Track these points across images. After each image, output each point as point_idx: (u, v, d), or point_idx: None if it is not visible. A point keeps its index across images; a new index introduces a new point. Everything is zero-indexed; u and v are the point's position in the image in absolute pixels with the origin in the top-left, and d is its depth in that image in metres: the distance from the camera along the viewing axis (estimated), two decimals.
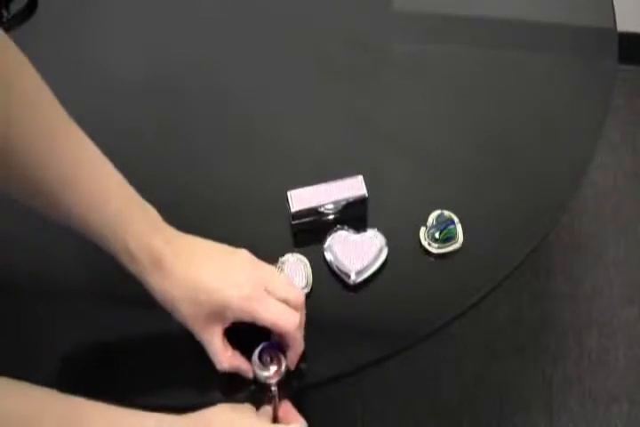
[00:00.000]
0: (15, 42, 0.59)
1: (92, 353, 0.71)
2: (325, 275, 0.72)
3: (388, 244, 0.73)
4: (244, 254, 0.65)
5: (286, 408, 0.63)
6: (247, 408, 0.61)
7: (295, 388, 0.66)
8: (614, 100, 0.94)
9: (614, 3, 0.92)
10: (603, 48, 0.89)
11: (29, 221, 0.72)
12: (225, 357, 0.63)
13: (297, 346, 0.64)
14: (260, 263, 0.65)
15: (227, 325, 0.63)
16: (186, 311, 0.61)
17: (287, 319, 0.62)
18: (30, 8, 0.94)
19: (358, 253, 0.72)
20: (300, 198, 0.73)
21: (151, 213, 0.63)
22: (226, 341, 0.64)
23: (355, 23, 0.93)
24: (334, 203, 0.73)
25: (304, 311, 0.65)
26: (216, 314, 0.62)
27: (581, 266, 1.58)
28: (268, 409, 0.62)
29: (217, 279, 0.62)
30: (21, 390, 0.52)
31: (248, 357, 0.65)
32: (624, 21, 0.98)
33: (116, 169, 0.63)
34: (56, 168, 0.59)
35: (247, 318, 0.62)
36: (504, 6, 0.95)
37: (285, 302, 0.63)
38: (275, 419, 0.63)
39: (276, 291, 0.63)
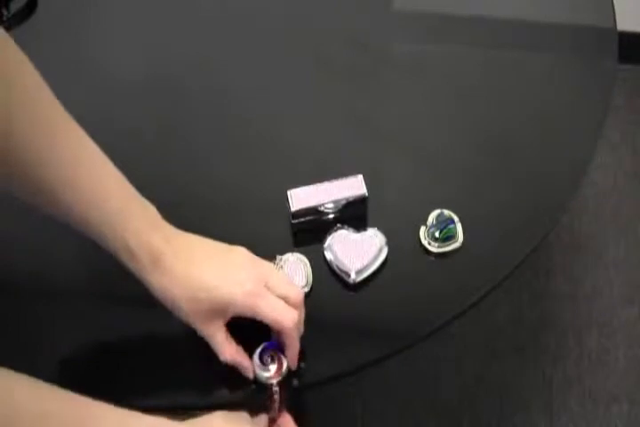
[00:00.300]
0: (15, 41, 0.59)
1: (92, 353, 0.71)
2: (325, 274, 0.72)
3: (388, 243, 0.73)
4: (242, 252, 0.65)
5: (285, 420, 0.63)
6: (242, 417, 0.61)
7: (295, 387, 0.66)
8: (614, 99, 0.95)
9: (614, 2, 0.92)
10: (603, 48, 0.89)
11: (29, 221, 0.73)
12: (228, 349, 0.63)
13: (294, 345, 0.64)
14: (258, 260, 0.66)
15: (228, 319, 0.63)
16: (186, 309, 0.62)
17: (286, 316, 0.62)
18: (30, 7, 0.94)
19: (358, 252, 0.72)
20: (300, 197, 0.73)
21: (151, 211, 0.63)
22: (229, 335, 0.64)
23: (355, 23, 0.93)
24: (334, 202, 0.73)
25: (303, 310, 0.65)
26: (217, 310, 0.62)
27: (581, 266, 1.58)
28: (262, 418, 0.62)
29: (217, 277, 0.62)
30: (30, 387, 0.52)
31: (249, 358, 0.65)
32: (624, 21, 0.98)
33: (115, 167, 0.63)
34: (56, 166, 0.59)
35: (248, 314, 0.62)
36: (504, 6, 0.95)
37: (285, 299, 0.63)
38: (275, 420, 0.63)
39: (275, 288, 0.63)
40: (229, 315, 0.63)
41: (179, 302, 0.61)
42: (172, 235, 0.63)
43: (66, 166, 0.60)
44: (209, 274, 0.62)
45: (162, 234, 0.62)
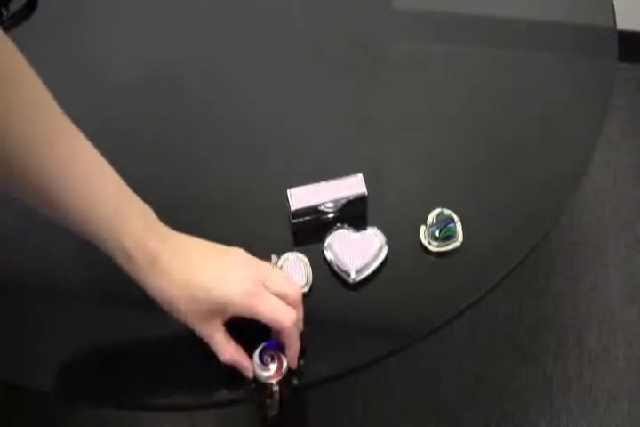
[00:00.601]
0: (14, 41, 0.59)
1: (92, 354, 0.70)
2: (325, 273, 0.72)
3: (388, 242, 0.73)
4: (239, 252, 0.65)
5: None
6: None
7: (295, 387, 0.66)
8: (615, 99, 0.94)
9: (614, 2, 0.92)
10: (603, 47, 0.89)
11: (29, 221, 0.72)
12: (228, 349, 0.63)
13: (294, 344, 0.64)
14: (255, 260, 0.66)
15: (226, 319, 0.63)
16: (185, 309, 0.61)
17: (285, 315, 0.62)
18: (30, 7, 0.94)
19: (358, 251, 0.72)
20: (300, 197, 0.73)
21: (147, 212, 0.63)
22: (228, 334, 0.64)
23: (355, 23, 0.93)
24: (334, 201, 0.73)
25: (302, 308, 0.65)
26: (216, 310, 0.62)
27: (581, 265, 1.58)
28: None
29: (215, 277, 0.62)
30: None
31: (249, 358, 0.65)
32: (624, 20, 0.98)
33: (112, 168, 0.63)
34: (53, 167, 0.59)
35: (247, 314, 0.62)
36: (504, 5, 0.95)
37: (283, 298, 0.63)
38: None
39: (273, 287, 0.63)
40: (228, 315, 0.63)
41: (177, 304, 0.61)
42: (168, 236, 0.63)
43: (63, 168, 0.60)
44: (207, 274, 0.62)
45: (158, 235, 0.62)
